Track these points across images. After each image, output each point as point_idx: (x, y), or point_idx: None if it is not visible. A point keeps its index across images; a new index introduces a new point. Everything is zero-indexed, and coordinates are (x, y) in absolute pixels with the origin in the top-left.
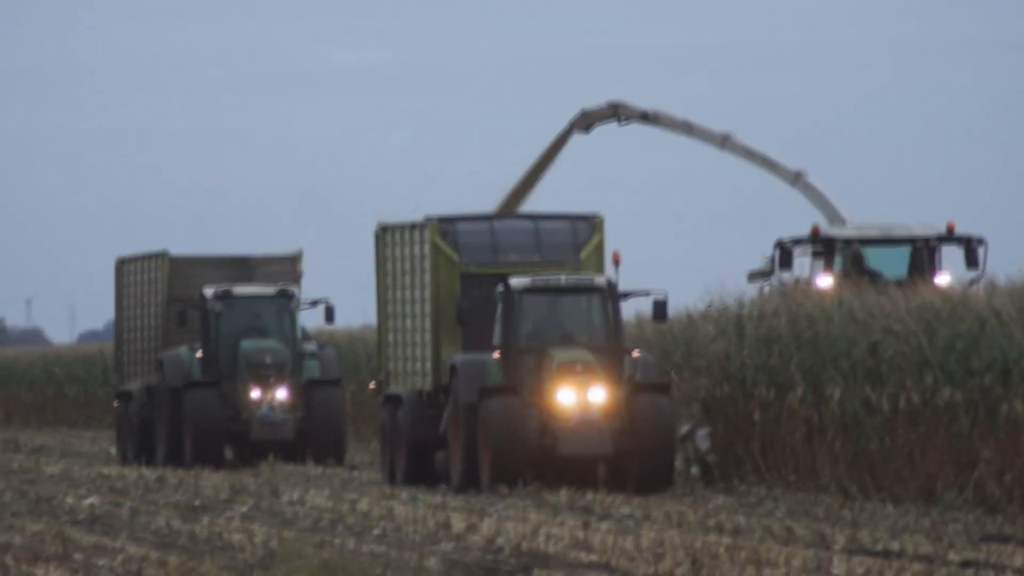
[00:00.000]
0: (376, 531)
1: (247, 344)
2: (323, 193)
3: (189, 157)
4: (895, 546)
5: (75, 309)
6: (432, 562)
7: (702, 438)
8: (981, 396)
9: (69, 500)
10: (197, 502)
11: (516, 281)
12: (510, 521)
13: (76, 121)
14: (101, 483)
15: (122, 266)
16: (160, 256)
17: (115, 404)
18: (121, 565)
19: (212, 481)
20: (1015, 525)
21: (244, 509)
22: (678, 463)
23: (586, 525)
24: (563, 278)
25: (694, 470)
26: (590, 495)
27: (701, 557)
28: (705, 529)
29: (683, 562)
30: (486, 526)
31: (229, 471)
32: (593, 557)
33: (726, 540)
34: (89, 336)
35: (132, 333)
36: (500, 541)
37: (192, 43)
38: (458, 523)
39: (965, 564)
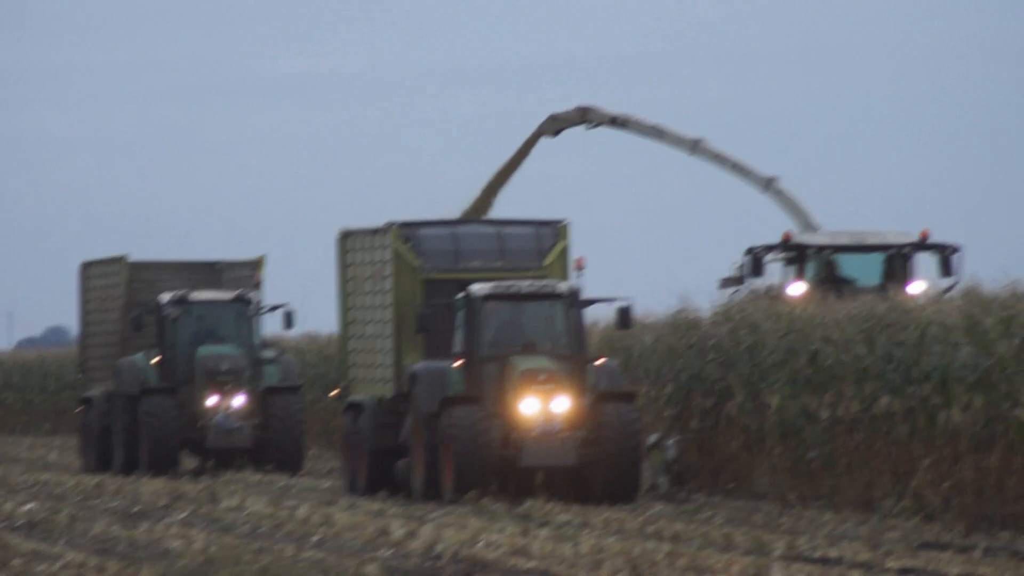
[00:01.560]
0: (315, 537)
1: (204, 350)
2: (290, 199)
3: (139, 165)
4: (833, 553)
5: (13, 317)
6: (371, 569)
7: (671, 447)
8: (920, 405)
9: (7, 506)
10: (136, 508)
11: (477, 288)
12: (449, 528)
13: (23, 128)
14: (39, 489)
15: (86, 270)
16: (119, 260)
17: (77, 411)
18: (60, 571)
19: (151, 487)
20: (953, 533)
21: (183, 515)
22: (646, 473)
23: (525, 532)
24: (525, 285)
25: (661, 480)
26: (529, 502)
27: (640, 564)
28: (644, 536)
29: (622, 569)
30: (425, 533)
31: (171, 479)
32: (532, 564)
33: (665, 547)
34: (27, 343)
35: (95, 338)
36: (439, 548)
37: (153, 51)
38: (397, 530)
39: (903, 572)
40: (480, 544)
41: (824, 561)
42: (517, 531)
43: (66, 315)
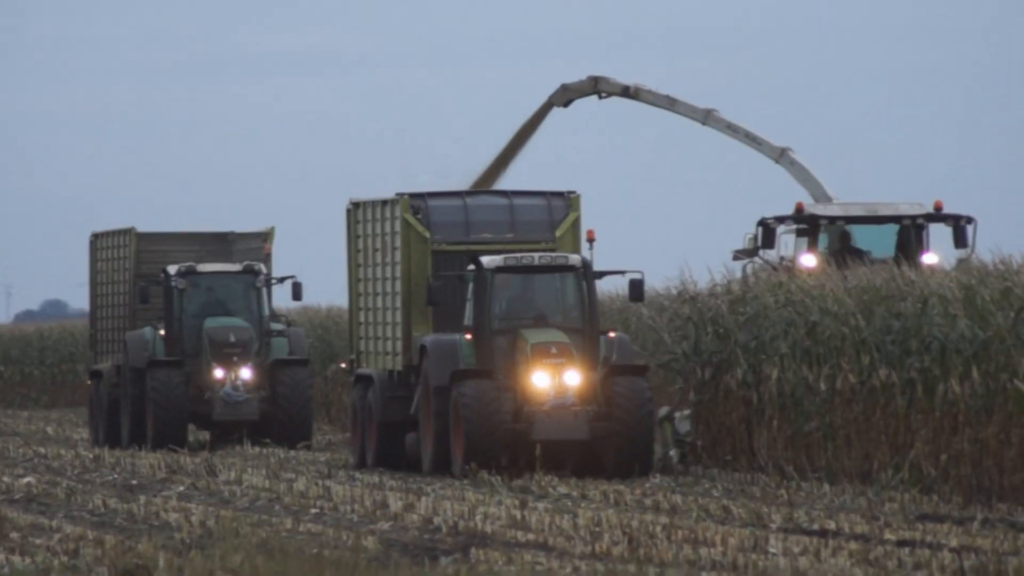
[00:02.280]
0: (314, 511)
1: (211, 322)
2: (299, 171)
3: (139, 138)
4: (831, 525)
5: (12, 290)
6: (369, 541)
7: (681, 420)
8: (918, 377)
9: (5, 480)
10: (134, 481)
11: (488, 260)
12: (447, 500)
13: (17, 100)
14: (38, 462)
15: (95, 242)
16: (126, 232)
17: (88, 383)
18: (58, 544)
19: (149, 461)
20: (950, 505)
21: (181, 488)
22: (656, 446)
23: (523, 504)
24: (536, 257)
25: (672, 453)
26: (527, 476)
27: (638, 536)
28: (642, 508)
29: (620, 541)
30: (423, 505)
31: (172, 452)
32: (530, 536)
33: (663, 519)
34: (25, 316)
35: (104, 311)
36: (437, 521)
37: (156, 23)
38: (395, 503)
39: (901, 543)
40: (478, 517)
41: (822, 533)
42: (515, 504)
43: (64, 288)
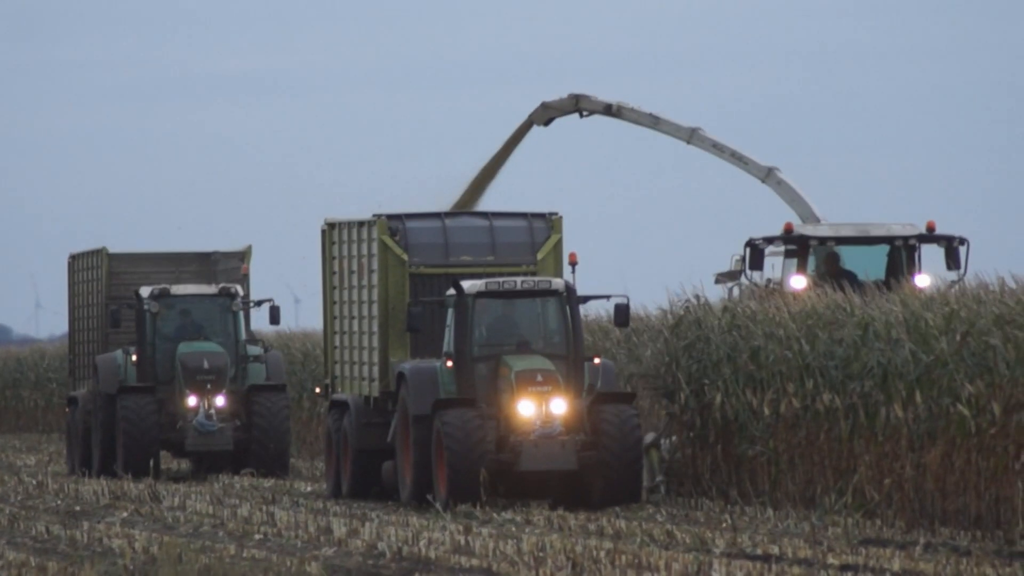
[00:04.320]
0: (257, 536)
1: (185, 347)
2: (273, 193)
3: (102, 162)
4: (775, 550)
5: None
6: (313, 567)
7: (667, 448)
8: (861, 401)
9: None
10: (77, 508)
11: (469, 285)
12: (391, 526)
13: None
14: None
15: (72, 263)
16: (98, 253)
17: (67, 410)
18: (1, 571)
19: (93, 487)
20: (893, 529)
21: (124, 515)
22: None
23: (467, 530)
24: (519, 281)
25: (659, 479)
26: (514, 508)
27: (582, 561)
28: (586, 533)
29: (564, 566)
30: (367, 531)
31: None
32: (474, 562)
33: (607, 544)
34: None
35: (80, 335)
36: (381, 546)
37: (126, 48)
38: (339, 528)
39: (844, 568)
40: (422, 542)
41: (765, 558)
42: (459, 529)
43: (7, 314)
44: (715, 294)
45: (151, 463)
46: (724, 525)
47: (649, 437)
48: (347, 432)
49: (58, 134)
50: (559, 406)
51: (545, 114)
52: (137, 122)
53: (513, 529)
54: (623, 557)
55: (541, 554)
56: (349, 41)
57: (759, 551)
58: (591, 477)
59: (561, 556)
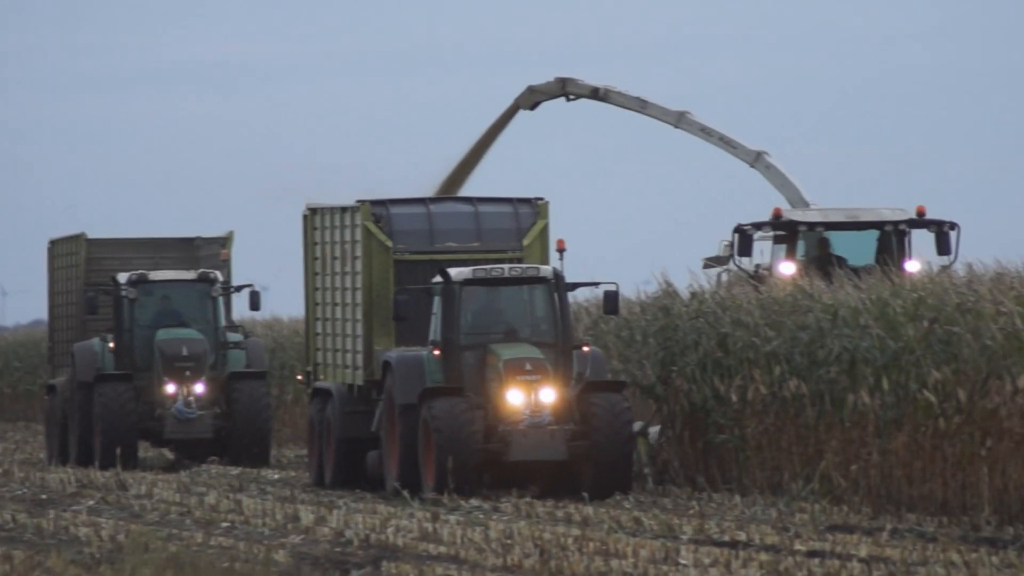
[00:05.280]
0: (224, 524)
1: (163, 334)
2: (254, 178)
3: (97, 146)
4: (742, 536)
5: None
6: (280, 555)
7: (655, 435)
8: (827, 388)
9: None
10: (43, 496)
11: (456, 272)
12: (359, 514)
13: None
14: None
15: (52, 248)
16: (76, 238)
17: (45, 398)
18: None
19: (59, 475)
20: (860, 515)
21: (91, 503)
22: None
23: (435, 517)
24: (506, 268)
25: (647, 470)
26: (504, 498)
27: (549, 548)
28: (554, 520)
29: (532, 553)
30: (335, 518)
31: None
32: (442, 549)
33: (574, 531)
34: None
35: (60, 321)
36: (349, 534)
37: (111, 35)
38: (307, 516)
39: (811, 554)
40: (390, 529)
41: (732, 544)
42: (427, 517)
43: None
44: (703, 280)
45: (128, 452)
46: (691, 512)
47: (637, 425)
48: (330, 421)
49: (34, 122)
50: (548, 395)
51: (531, 98)
52: (117, 110)
53: (480, 516)
54: (591, 544)
55: (509, 541)
56: (331, 26)
57: (726, 537)
58: (581, 467)
59: (529, 543)
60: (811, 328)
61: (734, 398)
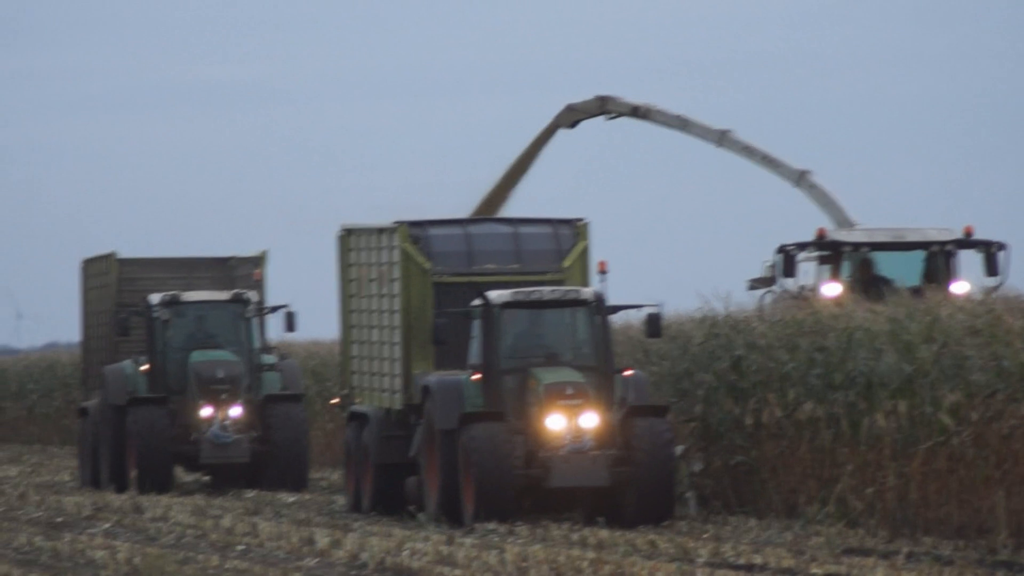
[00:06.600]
0: (240, 547)
1: (197, 356)
2: (290, 198)
3: (129, 167)
4: (758, 560)
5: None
6: None
7: (696, 461)
8: (843, 411)
9: None
10: (60, 519)
11: (495, 295)
12: (374, 536)
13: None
14: None
15: (85, 268)
16: (107, 258)
17: (78, 421)
18: None
19: (75, 499)
20: (876, 538)
21: (107, 526)
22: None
23: (450, 540)
24: (547, 291)
25: (689, 495)
26: (544, 525)
27: (565, 572)
28: (569, 543)
29: None
30: (350, 541)
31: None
32: (457, 572)
33: (590, 554)
34: None
35: (92, 343)
36: (364, 557)
37: (135, 55)
38: (322, 539)
39: None
40: (405, 552)
41: (748, 567)
42: (442, 539)
43: None
44: (748, 301)
45: (164, 477)
46: (707, 535)
47: (678, 450)
48: (367, 445)
49: (68, 142)
50: (590, 420)
51: (570, 116)
52: (148, 131)
53: (496, 539)
54: (606, 567)
55: (524, 564)
56: (369, 47)
57: (742, 561)
58: (623, 493)
59: (544, 566)
60: (827, 350)
61: (749, 421)
